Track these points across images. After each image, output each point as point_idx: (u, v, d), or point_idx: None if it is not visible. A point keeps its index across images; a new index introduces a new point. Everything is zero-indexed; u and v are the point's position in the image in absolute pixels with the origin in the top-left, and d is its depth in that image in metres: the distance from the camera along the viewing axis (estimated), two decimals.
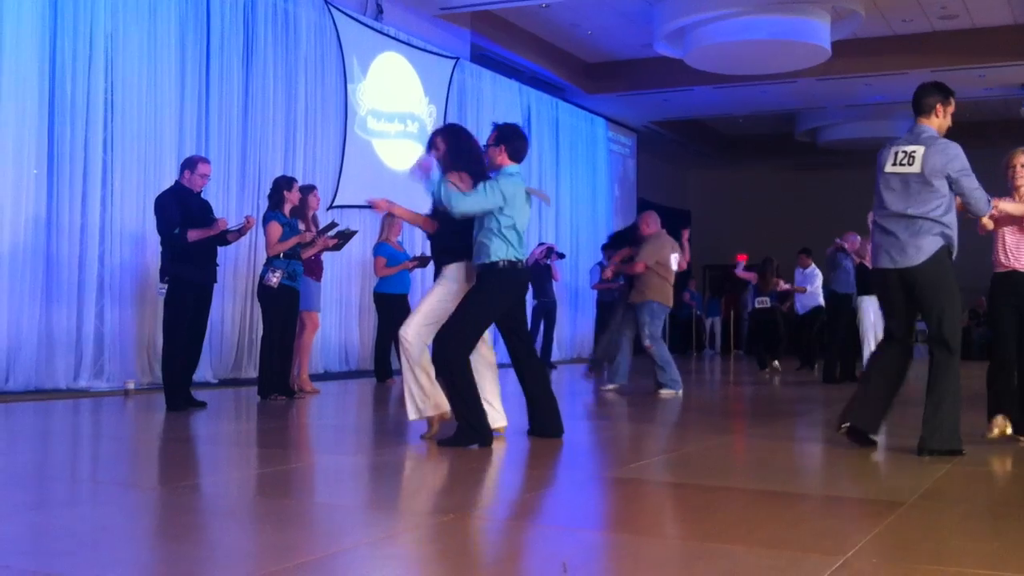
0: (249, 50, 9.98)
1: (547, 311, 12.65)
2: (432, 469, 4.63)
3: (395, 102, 12.23)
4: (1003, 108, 17.90)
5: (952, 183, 4.78)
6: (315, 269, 8.47)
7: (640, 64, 16.15)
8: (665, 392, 8.46)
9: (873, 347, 8.23)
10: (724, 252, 20.84)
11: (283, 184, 7.68)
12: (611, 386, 8.97)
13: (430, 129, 12.39)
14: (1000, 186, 5.28)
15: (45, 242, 8.07)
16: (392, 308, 9.15)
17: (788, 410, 7.83)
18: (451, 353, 4.90)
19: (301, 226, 7.82)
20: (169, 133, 9.04)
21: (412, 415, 5.23)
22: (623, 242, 9.59)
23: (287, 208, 7.63)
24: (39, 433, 5.88)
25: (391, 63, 12.15)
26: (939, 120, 4.94)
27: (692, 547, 3.04)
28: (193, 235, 6.69)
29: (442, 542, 3.10)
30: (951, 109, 4.97)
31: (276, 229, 7.47)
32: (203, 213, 6.92)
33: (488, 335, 5.42)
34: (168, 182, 7.86)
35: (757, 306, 12.89)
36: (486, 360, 5.38)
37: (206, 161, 7.01)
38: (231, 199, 9.64)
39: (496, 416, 5.29)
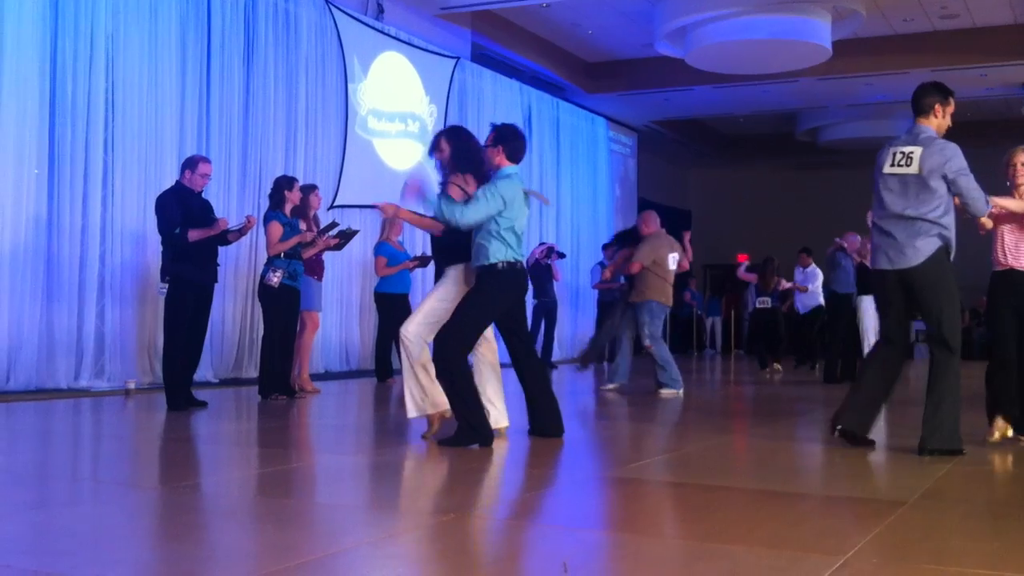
0: (250, 50, 9.99)
1: (548, 311, 12.66)
2: (432, 469, 4.63)
3: (396, 102, 12.23)
4: (1004, 108, 17.89)
5: (950, 183, 4.78)
6: (317, 269, 8.48)
7: (641, 64, 16.15)
8: (666, 392, 8.47)
9: None
10: (725, 252, 20.86)
11: (284, 184, 7.69)
12: (611, 386, 8.97)
13: (431, 129, 12.41)
14: (1001, 185, 5.28)
15: (46, 242, 8.07)
16: (393, 308, 9.14)
17: (788, 410, 7.83)
18: (450, 352, 4.92)
19: (302, 226, 7.83)
20: (170, 133, 9.04)
21: (411, 413, 5.24)
22: (626, 242, 9.60)
23: (288, 208, 7.63)
24: (40, 433, 5.89)
25: (392, 63, 12.15)
26: (938, 120, 4.94)
27: (692, 547, 3.04)
28: (194, 235, 6.69)
29: (442, 542, 3.10)
30: (950, 109, 4.97)
31: (277, 229, 7.48)
32: (204, 213, 6.92)
33: (492, 336, 5.43)
34: (169, 182, 7.87)
35: (758, 306, 12.89)
36: (488, 361, 5.39)
37: (207, 161, 7.01)
38: (232, 199, 9.64)
39: (498, 416, 5.30)
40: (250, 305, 9.66)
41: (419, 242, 11.65)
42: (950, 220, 4.82)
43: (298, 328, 8.12)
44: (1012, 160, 5.34)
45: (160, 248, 6.90)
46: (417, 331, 5.17)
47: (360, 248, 10.81)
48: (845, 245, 10.60)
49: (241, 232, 7.07)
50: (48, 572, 2.62)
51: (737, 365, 15.46)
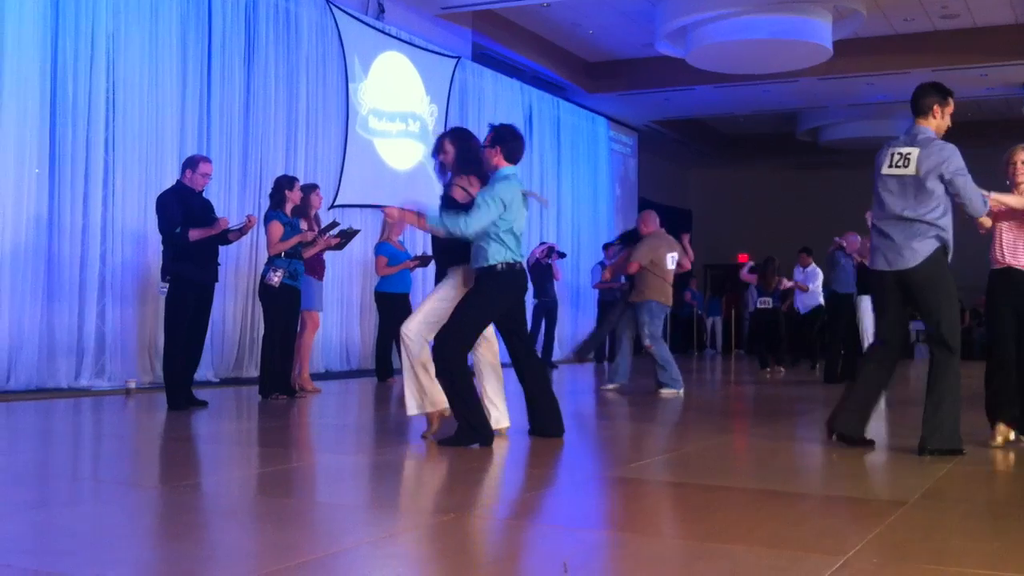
0: (250, 50, 9.99)
1: (548, 310, 12.66)
2: (432, 469, 4.63)
3: (396, 101, 12.23)
4: (1004, 107, 17.89)
5: (947, 184, 4.78)
6: (317, 268, 8.48)
7: (641, 63, 16.14)
8: (666, 392, 8.47)
9: None
10: (725, 251, 20.87)
11: (284, 183, 7.69)
12: (611, 386, 8.98)
13: (431, 128, 12.42)
14: (1001, 184, 5.28)
15: (47, 241, 8.08)
16: (393, 307, 9.14)
17: (788, 410, 7.83)
18: (450, 352, 4.92)
19: (303, 225, 7.83)
20: (170, 132, 9.05)
21: (411, 411, 5.25)
22: (630, 242, 9.62)
23: (288, 207, 7.64)
24: (40, 432, 5.89)
25: (392, 62, 12.15)
26: (937, 121, 4.94)
27: (692, 547, 3.05)
28: (194, 234, 6.69)
29: (442, 541, 3.10)
30: (949, 110, 4.96)
31: (277, 228, 7.48)
32: (205, 212, 6.92)
33: (492, 336, 5.43)
34: (169, 181, 7.87)
35: (759, 306, 12.89)
36: (488, 361, 5.40)
37: (207, 160, 7.01)
38: (232, 198, 9.64)
39: (500, 417, 5.31)
40: (251, 304, 9.66)
41: (420, 242, 11.65)
42: (948, 221, 4.82)
43: (299, 328, 8.12)
44: (1012, 159, 5.33)
45: (161, 247, 6.90)
46: (418, 329, 5.18)
47: (361, 248, 10.81)
48: (845, 245, 10.61)
49: (242, 232, 7.07)
50: (48, 572, 2.62)
51: (737, 365, 15.46)
